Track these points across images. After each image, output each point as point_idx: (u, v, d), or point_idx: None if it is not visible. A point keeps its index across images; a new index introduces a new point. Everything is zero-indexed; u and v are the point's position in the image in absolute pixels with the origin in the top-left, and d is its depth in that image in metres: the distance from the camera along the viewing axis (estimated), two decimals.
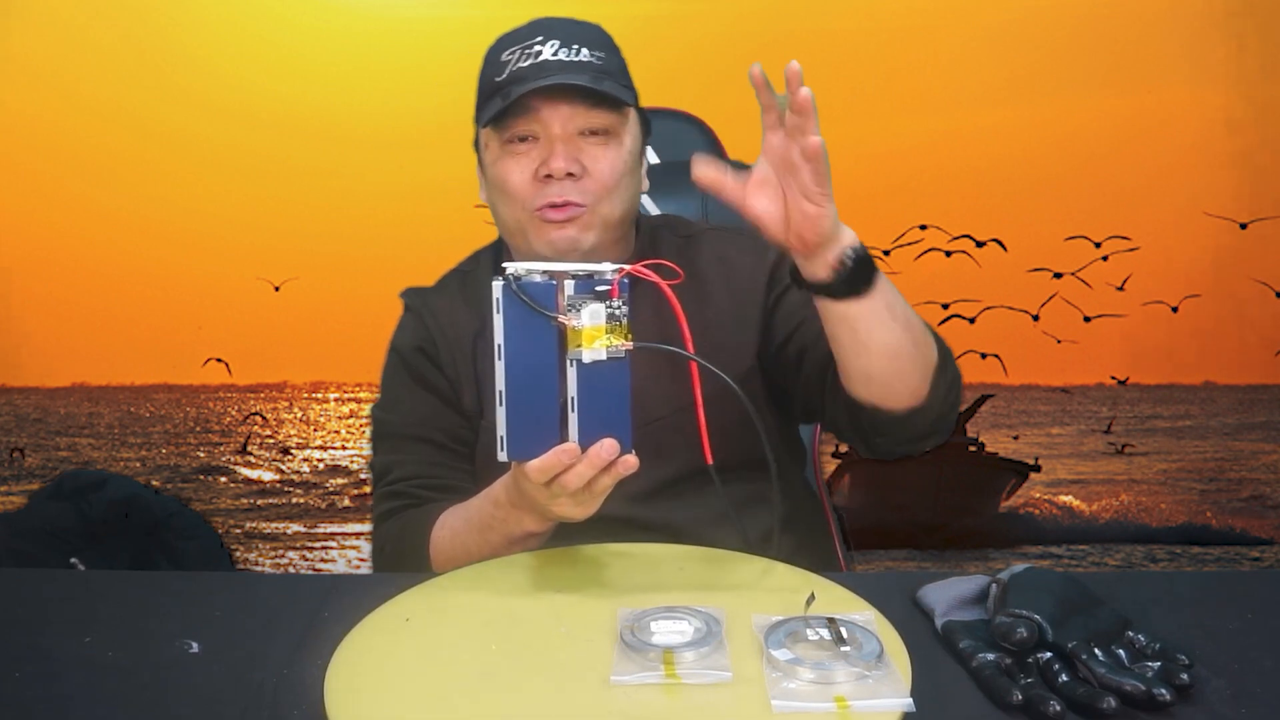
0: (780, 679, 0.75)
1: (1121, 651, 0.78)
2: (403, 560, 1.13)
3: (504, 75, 1.11)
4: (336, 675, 0.79)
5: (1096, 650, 0.77)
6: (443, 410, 1.21)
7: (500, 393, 0.84)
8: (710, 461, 0.93)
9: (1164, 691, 0.73)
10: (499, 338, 0.84)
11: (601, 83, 1.10)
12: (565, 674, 0.78)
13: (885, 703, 0.73)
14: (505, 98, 1.10)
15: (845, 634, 0.78)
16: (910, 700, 0.73)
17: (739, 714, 0.73)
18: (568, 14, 1.17)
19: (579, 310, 0.83)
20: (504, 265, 0.84)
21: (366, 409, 1.29)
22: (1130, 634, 0.79)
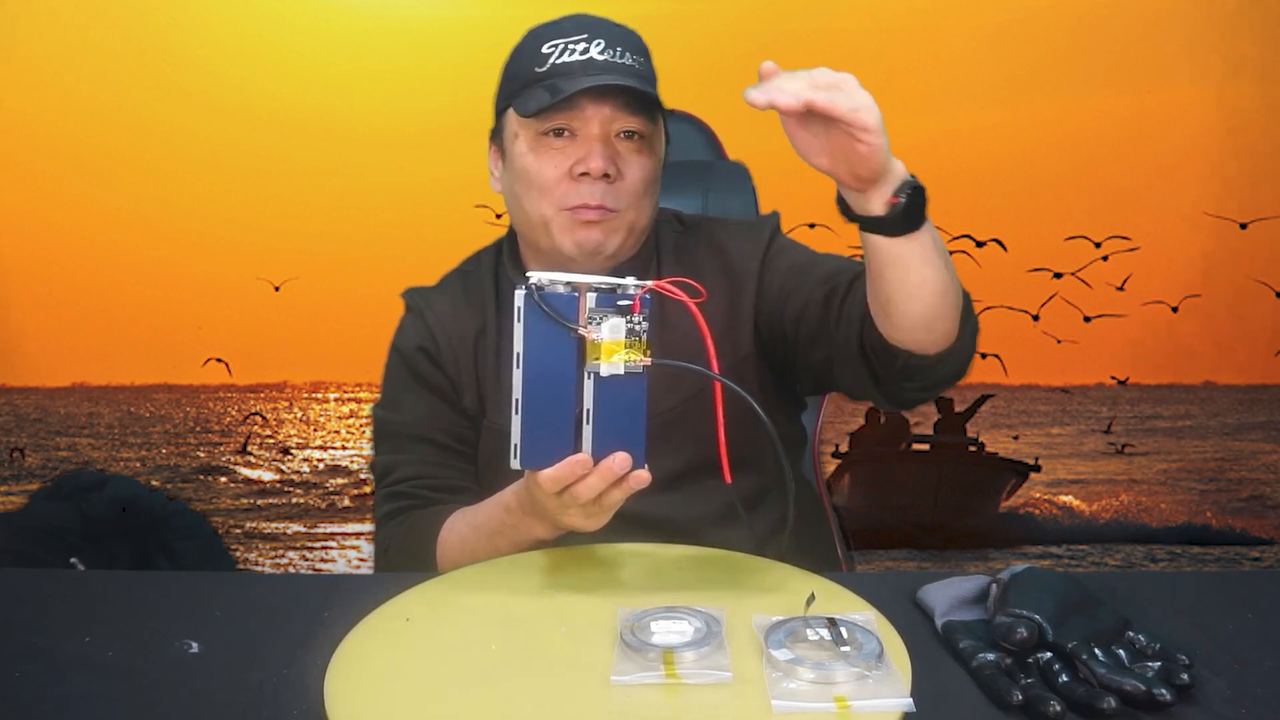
0: (780, 679, 0.75)
1: (1122, 652, 0.78)
2: (407, 562, 1.13)
3: (546, 67, 1.10)
4: (336, 675, 0.79)
5: (1097, 650, 0.77)
6: (444, 410, 1.21)
7: (516, 401, 0.84)
8: (729, 480, 0.92)
9: (1164, 692, 0.73)
10: (518, 346, 0.83)
11: (646, 87, 1.11)
12: (565, 674, 0.78)
13: (885, 703, 0.73)
14: (553, 91, 1.09)
15: (845, 634, 0.78)
16: (910, 700, 0.73)
17: (739, 714, 0.73)
18: (575, 13, 1.16)
19: (600, 323, 0.83)
20: (527, 274, 0.84)
21: (366, 409, 1.29)
22: (1130, 634, 0.79)
